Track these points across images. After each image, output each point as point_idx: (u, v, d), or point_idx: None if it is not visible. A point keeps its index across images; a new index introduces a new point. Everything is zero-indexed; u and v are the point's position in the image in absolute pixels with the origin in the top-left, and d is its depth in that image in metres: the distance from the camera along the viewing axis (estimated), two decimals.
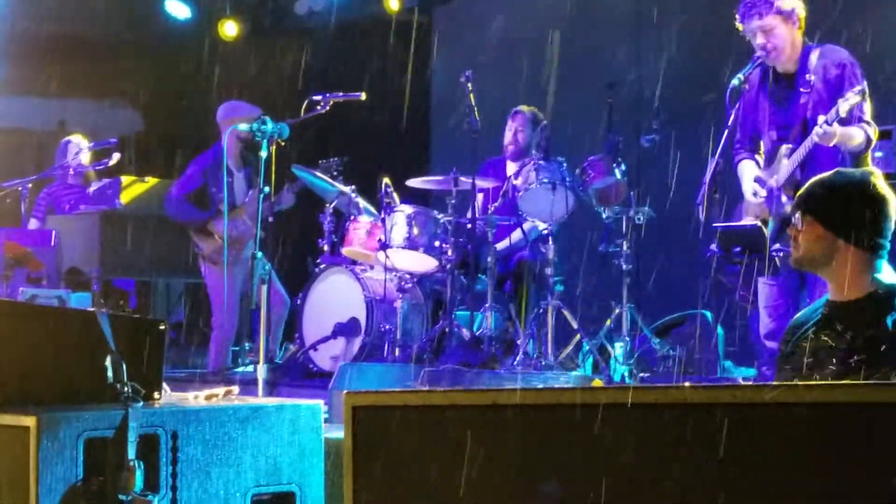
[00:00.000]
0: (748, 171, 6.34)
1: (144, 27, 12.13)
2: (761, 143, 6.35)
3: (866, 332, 4.09)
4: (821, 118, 5.86)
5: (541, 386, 5.09)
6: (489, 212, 8.63)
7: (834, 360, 4.15)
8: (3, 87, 12.01)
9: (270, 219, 8.23)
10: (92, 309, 7.27)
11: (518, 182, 8.42)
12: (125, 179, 10.22)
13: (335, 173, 8.94)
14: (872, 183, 4.27)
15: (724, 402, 2.40)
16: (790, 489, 2.32)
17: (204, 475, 3.83)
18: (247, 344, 9.08)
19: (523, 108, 9.09)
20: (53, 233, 9.82)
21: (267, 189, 7.56)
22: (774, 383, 2.54)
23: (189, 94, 11.75)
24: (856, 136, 5.94)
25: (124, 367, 3.88)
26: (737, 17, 6.26)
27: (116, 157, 10.21)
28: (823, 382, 3.59)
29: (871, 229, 4.21)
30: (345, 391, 2.99)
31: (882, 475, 2.22)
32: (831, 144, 5.90)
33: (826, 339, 4.24)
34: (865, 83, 5.91)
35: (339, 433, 4.43)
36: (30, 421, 3.59)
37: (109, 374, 3.87)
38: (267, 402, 4.33)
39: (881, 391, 2.30)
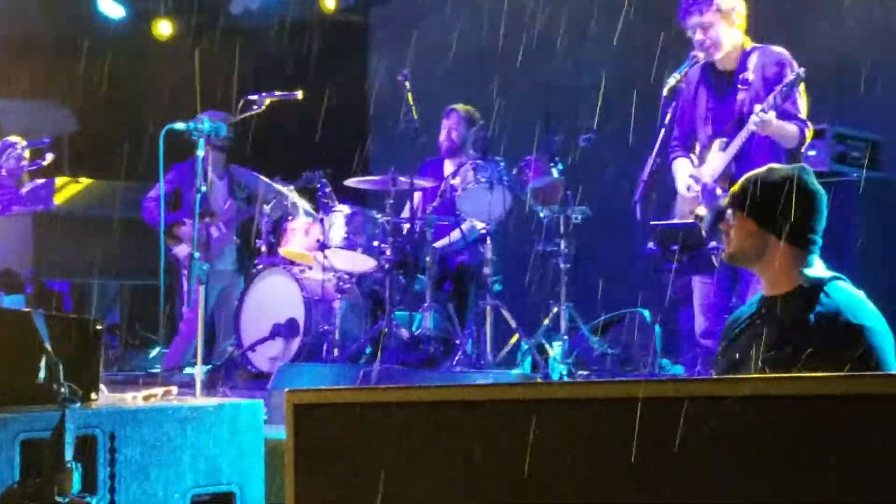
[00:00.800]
0: (683, 168, 6.37)
1: (78, 27, 12.01)
2: (696, 139, 6.38)
3: (792, 326, 4.14)
4: (757, 107, 5.91)
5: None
6: (427, 211, 8.64)
7: (762, 355, 4.19)
8: None
9: (206, 219, 8.19)
10: (27, 309, 7.21)
11: (456, 182, 8.43)
12: (59, 180, 10.13)
13: (317, 185, 8.92)
14: (804, 179, 4.32)
15: (666, 395, 2.41)
16: (723, 483, 2.34)
17: (142, 476, 3.81)
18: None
19: (458, 106, 9.11)
20: None
21: (204, 188, 7.52)
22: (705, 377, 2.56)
23: (123, 94, 11.65)
24: (791, 130, 5.99)
25: (61, 367, 3.85)
26: (677, 12, 6.29)
27: (50, 157, 10.13)
28: (744, 376, 3.66)
29: (802, 225, 4.26)
30: (286, 389, 2.98)
31: (811, 466, 2.24)
32: (766, 133, 5.94)
33: (757, 333, 4.28)
34: (803, 71, 5.95)
35: (278, 433, 4.43)
36: None
37: (45, 374, 3.84)
38: (206, 402, 4.31)
39: (802, 383, 2.32)
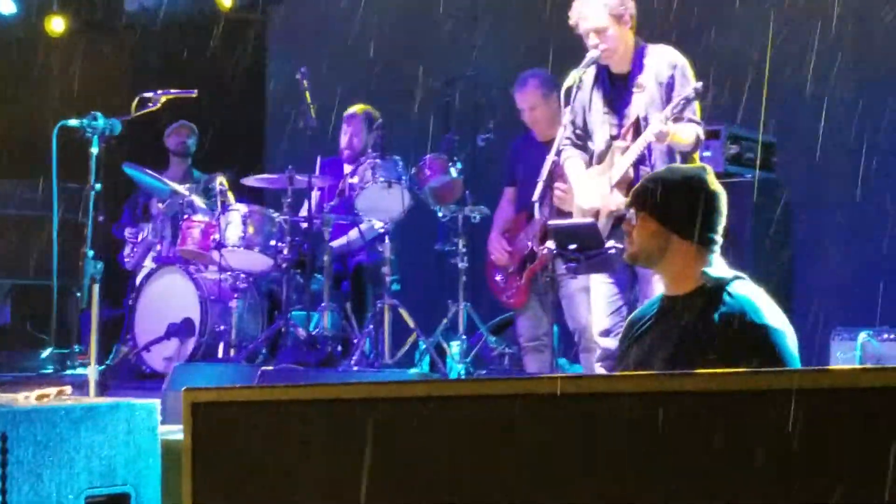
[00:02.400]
0: (577, 168, 6.40)
1: None
2: (592, 142, 6.41)
3: (696, 326, 4.18)
4: (655, 117, 5.94)
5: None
6: (326, 210, 8.61)
7: (665, 354, 4.22)
8: None
9: (101, 218, 8.10)
10: None
11: (354, 180, 8.40)
12: None
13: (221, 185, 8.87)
14: (704, 179, 4.38)
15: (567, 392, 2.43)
16: (618, 478, 2.36)
17: (35, 477, 3.75)
18: (76, 346, 8.93)
19: (356, 109, 9.06)
20: None
21: (98, 187, 7.44)
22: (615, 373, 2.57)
23: (16, 90, 11.47)
24: (687, 135, 6.04)
25: None
26: (571, 16, 6.31)
27: None
28: (646, 373, 3.68)
29: (702, 224, 4.30)
30: (184, 387, 2.95)
31: (712, 462, 2.28)
32: (664, 143, 5.99)
33: (660, 332, 4.32)
34: (701, 84, 6.00)
35: (174, 434, 4.39)
36: None
37: None
38: (101, 402, 4.26)
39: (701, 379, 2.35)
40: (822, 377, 2.23)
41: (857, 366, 7.18)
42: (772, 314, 4.15)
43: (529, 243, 7.60)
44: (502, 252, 7.89)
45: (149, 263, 9.25)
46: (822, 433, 2.18)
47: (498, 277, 7.99)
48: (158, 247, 9.05)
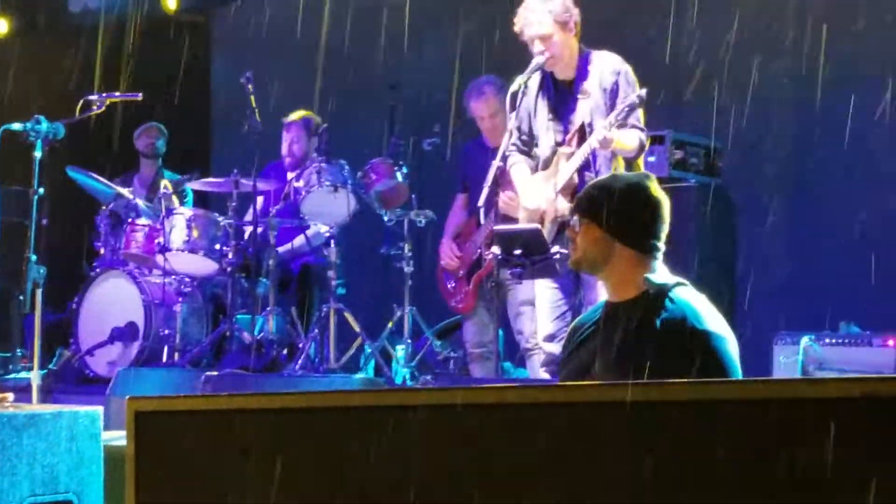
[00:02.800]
0: (522, 174, 6.42)
1: None
2: (537, 147, 6.43)
3: (638, 332, 4.18)
4: (599, 124, 5.97)
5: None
6: (270, 214, 8.59)
7: (607, 360, 4.24)
8: None
9: (44, 221, 8.05)
10: None
11: (300, 184, 8.39)
12: None
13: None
14: (648, 186, 4.39)
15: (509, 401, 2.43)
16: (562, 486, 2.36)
17: None
18: (19, 350, 8.87)
19: (294, 116, 9.04)
20: None
21: (42, 191, 7.38)
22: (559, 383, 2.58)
23: None
24: (630, 141, 6.07)
25: None
26: (516, 23, 6.32)
27: None
28: (586, 383, 3.69)
29: (645, 231, 4.31)
30: (127, 396, 2.94)
31: (656, 471, 2.28)
32: (608, 150, 6.02)
33: (602, 339, 4.33)
34: (645, 91, 6.03)
35: (117, 440, 4.36)
36: None
37: None
38: (43, 410, 4.23)
39: (640, 390, 2.36)
40: (747, 388, 2.24)
41: (791, 377, 7.25)
42: (713, 320, 4.17)
43: (478, 249, 7.62)
44: (452, 258, 7.91)
45: None
46: (754, 444, 2.19)
47: (449, 283, 8.00)
48: (102, 250, 8.99)
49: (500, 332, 7.41)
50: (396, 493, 2.51)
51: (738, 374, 4.12)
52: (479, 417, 2.46)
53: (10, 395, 4.41)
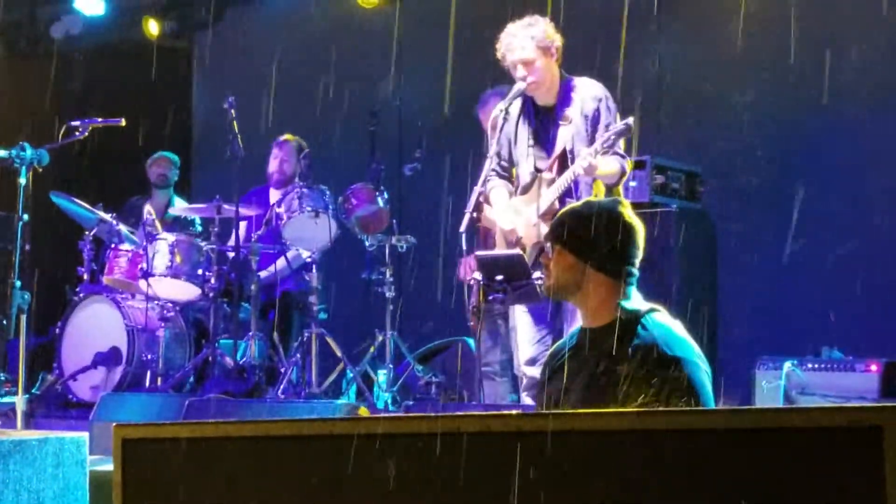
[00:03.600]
0: (501, 199, 6.44)
1: None
2: (516, 172, 6.46)
3: (611, 359, 4.17)
4: (583, 151, 5.98)
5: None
6: (253, 240, 8.61)
7: (580, 386, 4.26)
8: None
9: (27, 246, 8.05)
10: None
11: (281, 210, 8.41)
12: None
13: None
14: (619, 212, 4.37)
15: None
16: None
17: None
18: (2, 374, 8.86)
19: (288, 137, 9.10)
20: None
21: (26, 217, 7.40)
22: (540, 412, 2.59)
23: None
24: (613, 167, 6.10)
25: None
26: (498, 49, 6.36)
27: None
28: (563, 412, 3.71)
29: (618, 257, 4.31)
30: (114, 424, 2.96)
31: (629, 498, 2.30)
32: (591, 176, 6.05)
33: (576, 365, 4.35)
34: (632, 119, 6.04)
35: (101, 465, 4.38)
36: None
37: None
38: (29, 436, 4.24)
39: (612, 418, 2.38)
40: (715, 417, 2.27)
41: (772, 403, 7.27)
42: (685, 346, 4.17)
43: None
44: (466, 269, 7.81)
45: None
46: (722, 471, 2.22)
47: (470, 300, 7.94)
48: (86, 276, 9.00)
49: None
50: None
51: (710, 400, 4.10)
52: (457, 446, 2.48)
53: None
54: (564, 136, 6.20)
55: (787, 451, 2.16)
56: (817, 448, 2.14)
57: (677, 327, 4.27)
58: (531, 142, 6.35)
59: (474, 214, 6.27)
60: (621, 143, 6.17)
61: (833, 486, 2.12)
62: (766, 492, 2.17)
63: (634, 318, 4.25)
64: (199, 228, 8.99)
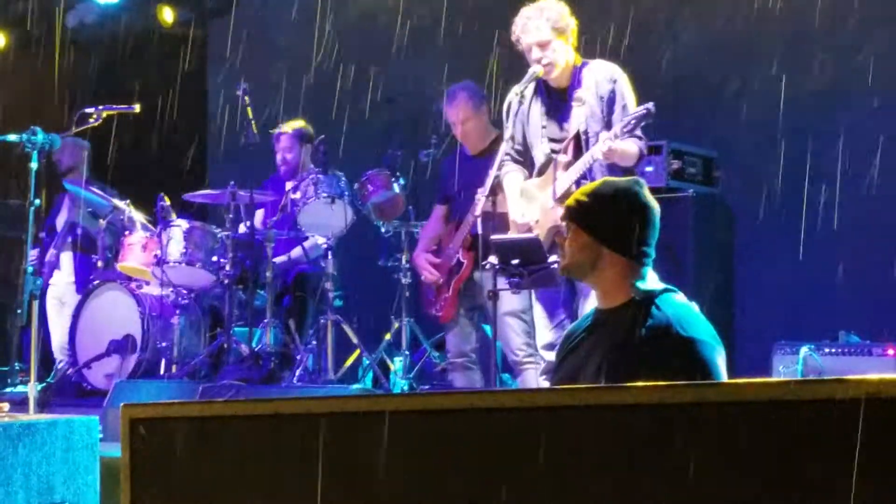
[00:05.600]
0: (515, 183, 6.41)
1: None
2: (532, 155, 6.43)
3: (625, 339, 4.17)
4: (603, 135, 5.94)
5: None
6: (268, 226, 8.59)
7: (595, 366, 4.23)
8: None
9: (42, 234, 8.05)
10: None
11: (297, 196, 8.38)
12: None
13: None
14: (637, 192, 4.36)
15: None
16: (568, 488, 2.37)
17: None
18: (17, 364, 8.86)
19: (285, 127, 9.02)
20: None
21: (38, 202, 7.38)
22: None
23: None
24: (632, 153, 6.06)
25: None
26: (513, 31, 6.33)
27: None
28: (582, 385, 3.69)
29: (634, 238, 4.28)
30: (122, 403, 2.94)
31: (649, 471, 2.28)
32: (610, 160, 6.00)
33: (591, 345, 4.33)
34: (653, 104, 5.99)
35: (114, 451, 4.36)
36: None
37: None
38: (39, 419, 4.23)
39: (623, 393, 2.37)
40: (735, 390, 2.25)
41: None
42: (698, 327, 4.15)
43: (456, 254, 7.56)
44: (430, 270, 7.81)
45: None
46: (737, 445, 2.20)
47: (429, 293, 7.94)
48: (100, 263, 9.00)
49: (498, 344, 7.40)
50: (392, 498, 2.51)
51: (722, 378, 4.10)
52: (473, 421, 2.47)
53: (6, 405, 4.41)
54: (578, 118, 6.15)
55: (794, 423, 2.17)
56: (821, 420, 2.14)
57: (692, 308, 4.25)
58: (545, 123, 6.32)
59: (490, 199, 6.24)
60: (640, 126, 6.13)
61: (836, 457, 2.11)
62: (773, 464, 2.18)
63: (649, 298, 4.22)
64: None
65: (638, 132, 6.10)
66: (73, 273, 9.45)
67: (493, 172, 6.21)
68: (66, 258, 9.41)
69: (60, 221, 9.39)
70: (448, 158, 8.19)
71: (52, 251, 9.34)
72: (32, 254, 8.95)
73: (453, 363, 7.66)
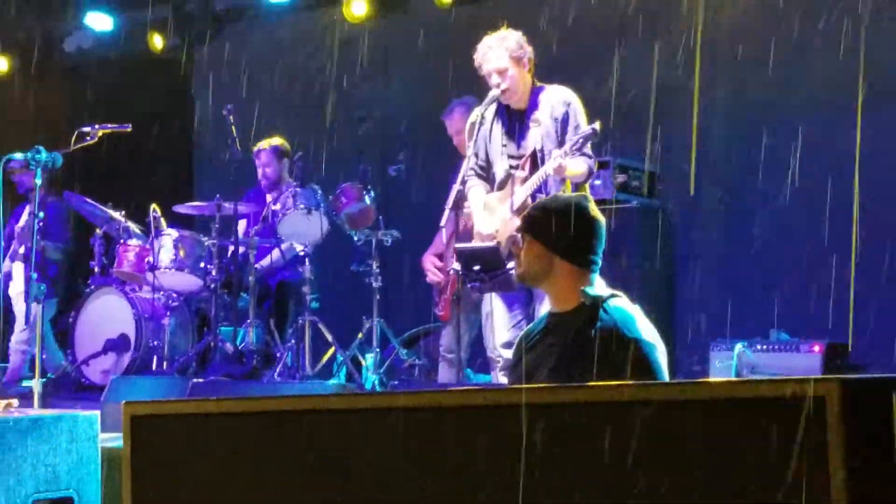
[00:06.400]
0: (478, 196, 6.44)
1: None
2: (493, 171, 6.45)
3: (576, 340, 4.20)
4: (554, 153, 5.99)
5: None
6: (251, 235, 8.60)
7: (549, 366, 4.27)
8: None
9: (44, 243, 8.02)
10: None
11: (277, 207, 8.42)
12: None
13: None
14: (584, 206, 4.41)
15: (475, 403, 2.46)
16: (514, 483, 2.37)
17: None
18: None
19: (264, 144, 9.02)
20: None
21: (42, 214, 7.36)
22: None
23: None
24: (581, 168, 6.10)
25: None
26: (475, 58, 6.36)
27: None
28: (539, 385, 3.72)
29: (582, 247, 4.34)
30: (123, 401, 2.95)
31: (594, 465, 2.29)
32: (561, 176, 6.05)
33: (545, 346, 4.36)
34: (599, 124, 6.04)
35: (112, 442, 4.37)
36: None
37: None
38: (46, 414, 4.23)
39: (578, 392, 2.39)
40: (672, 390, 2.27)
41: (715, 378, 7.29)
42: (643, 328, 4.18)
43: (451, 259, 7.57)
44: (432, 271, 7.81)
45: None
46: (675, 440, 2.21)
47: (435, 293, 7.94)
48: (97, 269, 8.97)
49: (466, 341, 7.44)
50: (373, 490, 2.53)
51: (664, 378, 4.13)
52: (431, 419, 2.49)
53: (15, 401, 4.41)
54: (535, 137, 6.20)
55: (737, 420, 2.16)
56: (765, 418, 2.12)
57: (636, 311, 4.29)
58: (505, 142, 6.35)
59: (454, 211, 6.27)
60: (588, 145, 6.17)
61: (781, 453, 2.10)
62: (717, 460, 2.16)
63: (597, 303, 4.26)
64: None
65: (587, 150, 6.14)
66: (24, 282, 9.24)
67: (456, 187, 6.23)
68: (18, 268, 9.28)
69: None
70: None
71: (6, 262, 9.17)
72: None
73: (444, 357, 7.64)
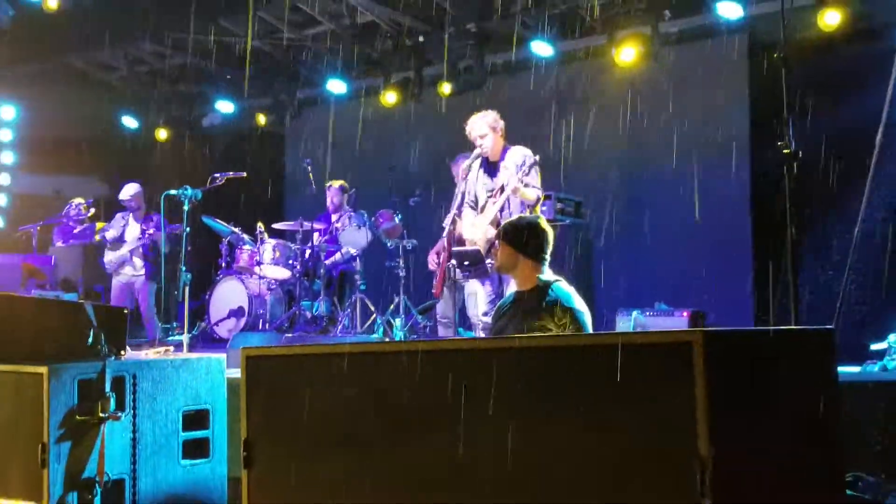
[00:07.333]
0: (468, 218, 6.44)
1: (108, 132, 11.69)
2: (477, 200, 6.45)
3: (533, 309, 4.24)
4: (512, 179, 6.01)
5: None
6: (321, 243, 8.61)
7: (516, 326, 4.29)
8: (21, 168, 11.53)
9: (189, 248, 8.02)
10: (80, 301, 6.98)
11: (338, 225, 8.49)
12: (98, 224, 9.80)
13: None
14: (538, 223, 4.47)
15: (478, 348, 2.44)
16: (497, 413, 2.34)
17: (152, 400, 3.72)
18: (175, 323, 8.84)
19: (333, 183, 9.06)
20: (52, 257, 9.43)
21: (188, 229, 7.36)
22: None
23: (137, 172, 11.31)
24: (531, 194, 6.10)
25: (102, 336, 3.77)
26: (466, 127, 6.38)
27: (92, 211, 9.87)
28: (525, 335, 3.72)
29: (538, 249, 4.39)
30: (241, 346, 2.95)
31: (550, 395, 2.27)
32: (516, 196, 6.04)
33: (513, 313, 4.38)
34: (538, 156, 6.07)
35: (235, 375, 4.35)
36: (43, 370, 3.46)
37: (92, 340, 3.76)
38: (190, 357, 4.24)
39: (550, 340, 2.38)
40: (600, 338, 2.28)
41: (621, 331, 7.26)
42: (577, 301, 4.23)
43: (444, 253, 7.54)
44: (434, 261, 7.75)
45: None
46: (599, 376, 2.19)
47: (434, 278, 7.88)
48: (223, 264, 8.94)
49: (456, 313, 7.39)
50: (415, 412, 2.51)
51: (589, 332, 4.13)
52: (451, 358, 2.47)
53: (171, 348, 4.41)
54: (503, 178, 6.21)
55: (636, 358, 2.13)
56: (654, 356, 2.10)
57: (572, 290, 4.32)
58: (484, 181, 6.36)
59: (451, 226, 6.28)
60: (538, 179, 6.15)
61: (663, 380, 2.07)
62: (623, 385, 2.13)
63: (547, 285, 4.29)
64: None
65: (535, 183, 6.12)
66: (143, 267, 9.15)
67: (453, 210, 6.24)
68: (137, 258, 9.10)
69: (129, 234, 9.18)
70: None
71: (125, 253, 9.07)
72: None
73: (441, 321, 7.61)
